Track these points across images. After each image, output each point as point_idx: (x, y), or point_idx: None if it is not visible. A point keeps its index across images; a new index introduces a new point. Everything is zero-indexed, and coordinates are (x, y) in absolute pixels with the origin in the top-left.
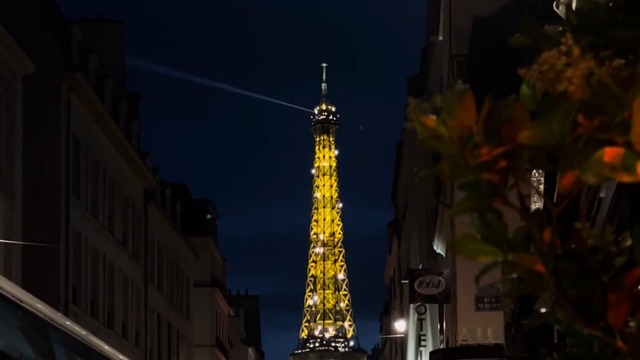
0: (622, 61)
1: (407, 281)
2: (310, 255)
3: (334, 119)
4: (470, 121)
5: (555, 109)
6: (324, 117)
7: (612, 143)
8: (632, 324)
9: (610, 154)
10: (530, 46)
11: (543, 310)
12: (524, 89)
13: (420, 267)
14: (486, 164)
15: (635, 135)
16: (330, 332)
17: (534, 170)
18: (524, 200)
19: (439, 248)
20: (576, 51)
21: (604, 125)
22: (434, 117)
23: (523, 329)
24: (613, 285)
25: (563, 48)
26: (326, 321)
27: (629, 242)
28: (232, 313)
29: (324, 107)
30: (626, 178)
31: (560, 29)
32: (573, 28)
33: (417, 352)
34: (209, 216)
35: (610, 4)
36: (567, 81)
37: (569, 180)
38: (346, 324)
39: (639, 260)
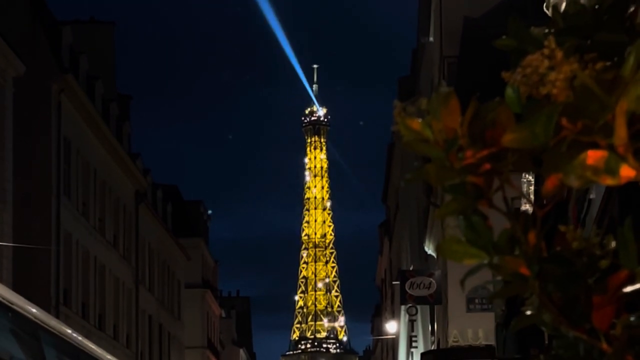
0: (606, 64)
1: (398, 282)
2: (302, 257)
3: (325, 120)
4: (454, 124)
5: (538, 112)
6: (315, 118)
7: (595, 146)
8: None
9: (593, 156)
10: (516, 48)
11: (529, 312)
12: (509, 91)
13: (411, 268)
14: (471, 167)
15: (618, 138)
16: (322, 333)
17: (524, 173)
18: (509, 202)
19: (430, 249)
20: (559, 54)
21: (588, 128)
22: (419, 120)
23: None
24: (598, 288)
25: (546, 51)
26: (317, 322)
27: (613, 245)
28: (223, 314)
29: (315, 108)
30: (609, 181)
31: (547, 31)
32: (558, 30)
33: (409, 353)
34: (209, 212)
35: (596, 7)
36: (550, 84)
37: (552, 183)
38: (337, 325)
39: (623, 263)
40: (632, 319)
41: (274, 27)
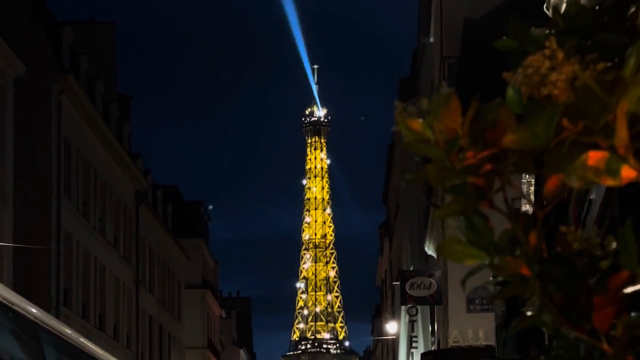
0: (607, 64)
1: (398, 283)
2: (302, 257)
3: (326, 120)
4: (455, 124)
5: (539, 113)
6: (316, 119)
7: (596, 147)
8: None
9: (594, 157)
10: (517, 49)
11: (530, 313)
12: (510, 92)
13: (411, 268)
14: (472, 167)
15: (619, 138)
16: (322, 333)
17: (525, 173)
18: (510, 203)
19: (430, 250)
20: (560, 55)
21: (589, 129)
22: (420, 120)
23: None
24: (598, 288)
25: (547, 52)
26: (318, 323)
27: (614, 246)
28: (223, 315)
29: (315, 108)
30: (610, 182)
31: (547, 31)
32: (559, 31)
33: (409, 354)
34: (210, 207)
35: (597, 7)
36: (551, 85)
37: (553, 184)
38: (338, 325)
39: (623, 264)
40: (632, 315)
41: (275, 27)
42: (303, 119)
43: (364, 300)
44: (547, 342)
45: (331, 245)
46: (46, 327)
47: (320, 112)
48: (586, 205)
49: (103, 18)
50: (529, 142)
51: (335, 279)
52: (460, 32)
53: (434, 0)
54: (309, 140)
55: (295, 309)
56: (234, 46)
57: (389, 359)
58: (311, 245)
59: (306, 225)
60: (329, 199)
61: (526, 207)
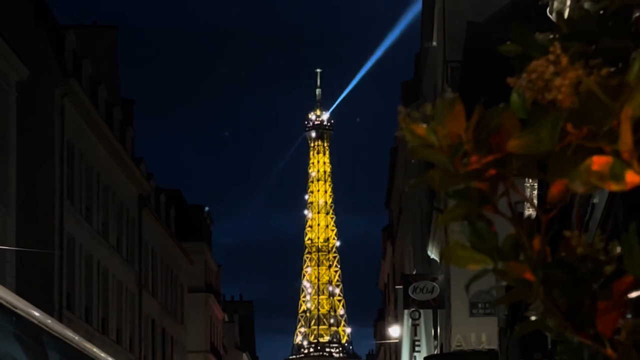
0: (611, 69)
1: (401, 287)
2: (305, 261)
3: (329, 124)
4: (459, 129)
5: (544, 118)
6: (319, 122)
7: (600, 152)
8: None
9: (598, 162)
10: (521, 54)
11: (533, 318)
12: (514, 97)
13: (414, 272)
14: (476, 172)
15: (623, 143)
16: (325, 337)
17: (529, 178)
18: (514, 208)
19: (433, 254)
20: (564, 60)
21: (593, 134)
22: (424, 125)
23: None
24: (602, 293)
25: (551, 57)
26: (320, 327)
27: (618, 251)
28: (226, 319)
29: (318, 112)
30: (614, 187)
31: (551, 36)
32: (563, 36)
33: (411, 358)
34: (207, 209)
35: (601, 12)
36: (555, 90)
37: (557, 189)
38: (340, 329)
39: (628, 269)
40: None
41: (279, 31)
42: (306, 122)
43: (366, 303)
44: (550, 347)
45: (334, 249)
46: (49, 331)
47: (323, 116)
48: (589, 209)
49: (106, 22)
50: (533, 147)
51: (338, 283)
52: (463, 36)
53: (437, 4)
54: (312, 144)
55: (297, 313)
56: (238, 51)
57: None
58: (314, 249)
59: (309, 229)
60: (331, 202)
61: (530, 212)
